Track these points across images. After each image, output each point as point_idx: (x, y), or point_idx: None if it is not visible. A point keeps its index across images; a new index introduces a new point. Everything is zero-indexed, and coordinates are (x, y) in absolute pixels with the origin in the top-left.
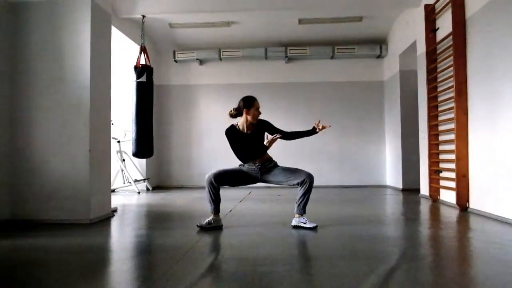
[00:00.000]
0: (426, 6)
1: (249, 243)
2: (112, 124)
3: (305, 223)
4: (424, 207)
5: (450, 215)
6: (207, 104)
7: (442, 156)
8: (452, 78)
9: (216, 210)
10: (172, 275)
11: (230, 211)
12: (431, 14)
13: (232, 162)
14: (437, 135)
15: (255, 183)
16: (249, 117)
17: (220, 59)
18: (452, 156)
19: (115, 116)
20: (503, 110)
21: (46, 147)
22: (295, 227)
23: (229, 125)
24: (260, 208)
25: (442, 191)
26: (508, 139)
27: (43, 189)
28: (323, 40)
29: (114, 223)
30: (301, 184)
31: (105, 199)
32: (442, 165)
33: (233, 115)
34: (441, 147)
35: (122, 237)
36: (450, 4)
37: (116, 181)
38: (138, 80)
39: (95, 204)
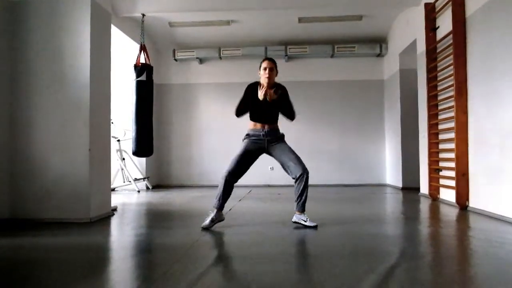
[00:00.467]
0: (426, 4)
1: (249, 242)
2: (112, 123)
3: (305, 221)
4: (424, 206)
5: (450, 213)
6: (207, 103)
7: (442, 155)
8: (452, 77)
9: (222, 207)
10: (172, 274)
11: (230, 209)
12: (431, 13)
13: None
14: (437, 134)
15: (261, 154)
16: (261, 79)
17: (220, 57)
18: (452, 155)
19: (115, 115)
20: (503, 108)
21: (46, 146)
22: (296, 223)
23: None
24: (260, 207)
25: (441, 189)
26: (508, 138)
27: (43, 188)
28: (323, 39)
29: (114, 222)
30: (298, 179)
31: (105, 198)
32: (441, 164)
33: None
34: (441, 146)
35: (122, 236)
36: (450, 2)
37: (116, 180)
38: (138, 79)
39: (95, 203)
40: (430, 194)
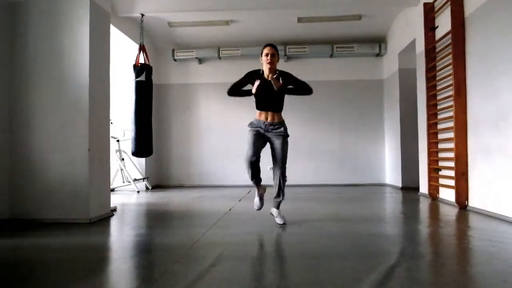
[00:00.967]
0: (425, 4)
1: (249, 242)
2: (111, 123)
3: (276, 217)
4: (424, 206)
5: (450, 213)
6: (206, 103)
7: (441, 155)
8: (451, 77)
9: (259, 182)
10: (171, 274)
11: (230, 209)
12: (430, 13)
13: (231, 160)
14: (436, 134)
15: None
16: (263, 65)
17: (220, 57)
18: (451, 154)
19: (114, 115)
20: (502, 108)
21: (46, 147)
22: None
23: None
24: None
25: (441, 189)
26: (507, 137)
27: (42, 188)
28: (322, 38)
29: (114, 222)
30: (276, 182)
31: (105, 198)
32: (441, 164)
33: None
34: (440, 145)
35: (121, 236)
36: (449, 2)
37: (115, 180)
38: (137, 79)
39: (95, 203)
40: (429, 193)
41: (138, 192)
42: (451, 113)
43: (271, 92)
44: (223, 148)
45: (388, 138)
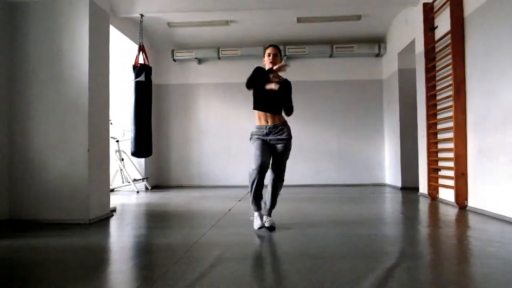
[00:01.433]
0: (425, 4)
1: (248, 243)
2: (111, 123)
3: (252, 217)
4: (423, 206)
5: (449, 213)
6: (206, 103)
7: (440, 155)
8: (451, 77)
9: (260, 204)
10: (171, 275)
11: (230, 210)
12: (429, 13)
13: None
14: (435, 134)
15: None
16: (266, 65)
17: (219, 58)
18: (451, 155)
19: (114, 115)
20: (502, 108)
21: (45, 147)
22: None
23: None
24: None
25: (441, 189)
26: (506, 137)
27: (42, 189)
28: (321, 38)
29: (113, 222)
30: (270, 181)
31: (104, 198)
32: (440, 164)
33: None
34: (440, 146)
35: (121, 237)
36: (448, 2)
37: (115, 181)
38: (136, 80)
39: (94, 204)
40: (429, 193)
41: (138, 192)
42: (451, 113)
43: (273, 93)
44: (223, 148)
45: (387, 138)
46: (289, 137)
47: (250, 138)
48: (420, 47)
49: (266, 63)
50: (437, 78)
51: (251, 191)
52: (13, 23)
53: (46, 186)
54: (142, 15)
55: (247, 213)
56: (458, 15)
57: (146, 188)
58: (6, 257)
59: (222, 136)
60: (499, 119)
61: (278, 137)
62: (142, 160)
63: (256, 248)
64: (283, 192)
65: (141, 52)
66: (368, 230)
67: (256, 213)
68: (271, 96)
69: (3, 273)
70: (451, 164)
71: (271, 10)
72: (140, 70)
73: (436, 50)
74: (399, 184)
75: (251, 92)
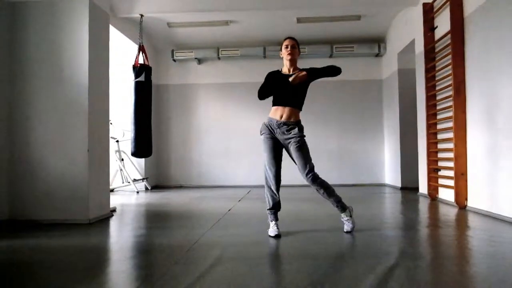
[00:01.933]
0: (425, 4)
1: (248, 243)
2: (111, 123)
3: (347, 220)
4: (423, 206)
5: (449, 213)
6: (205, 103)
7: (440, 155)
8: (451, 77)
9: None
10: (171, 275)
11: (229, 210)
12: (429, 13)
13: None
14: (435, 134)
15: (281, 146)
16: (283, 58)
17: (219, 58)
18: (451, 155)
19: (114, 115)
20: (501, 108)
21: (45, 147)
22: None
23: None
24: (259, 207)
25: (440, 189)
26: (506, 137)
27: (41, 189)
28: (321, 39)
29: (113, 223)
30: (307, 181)
31: (104, 199)
32: (440, 164)
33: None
34: (440, 146)
35: (121, 237)
36: (448, 2)
37: (115, 181)
38: (136, 80)
39: (94, 204)
40: (429, 193)
41: (138, 192)
42: (451, 113)
43: (294, 86)
44: (223, 148)
45: (387, 138)
46: (301, 134)
47: (261, 132)
48: (420, 47)
49: (284, 56)
50: (437, 78)
51: (266, 198)
52: (13, 23)
53: (46, 186)
54: (142, 15)
55: (247, 213)
56: (458, 15)
57: (146, 188)
58: (5, 257)
59: (222, 136)
60: (499, 119)
61: (287, 136)
62: (142, 160)
63: (256, 248)
64: (283, 192)
65: (141, 52)
66: (368, 230)
67: (272, 223)
68: (290, 91)
69: (2, 273)
70: (451, 164)
71: (271, 10)
72: (140, 70)
73: (436, 50)
74: (399, 184)
75: (251, 93)
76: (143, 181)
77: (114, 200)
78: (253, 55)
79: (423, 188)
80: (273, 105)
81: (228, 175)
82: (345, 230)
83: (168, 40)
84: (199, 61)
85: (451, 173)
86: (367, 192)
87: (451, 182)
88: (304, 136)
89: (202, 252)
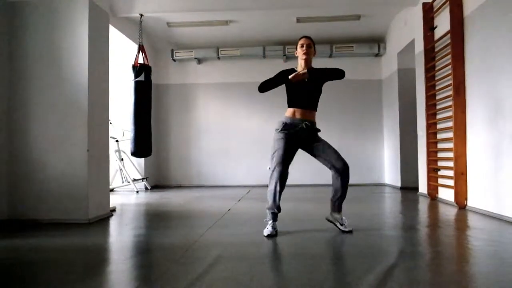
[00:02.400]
0: (424, 4)
1: (248, 242)
2: (111, 123)
3: (341, 225)
4: (423, 205)
5: (449, 213)
6: (205, 103)
7: (440, 154)
8: (450, 77)
9: (277, 214)
10: (171, 275)
11: (229, 210)
12: (429, 13)
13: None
14: (435, 133)
15: (297, 147)
16: (299, 57)
17: (219, 58)
18: (451, 154)
19: (114, 115)
20: (501, 108)
21: (44, 147)
22: (329, 221)
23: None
24: (259, 207)
25: (440, 189)
26: (506, 137)
27: (41, 189)
28: (321, 38)
29: (113, 222)
30: (341, 173)
31: (104, 198)
32: (440, 163)
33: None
34: (440, 145)
35: (120, 237)
36: (448, 2)
37: (114, 181)
38: (136, 79)
39: (94, 204)
40: (428, 193)
41: (137, 192)
42: (450, 113)
43: (306, 87)
44: (222, 148)
45: (387, 138)
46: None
47: (278, 129)
48: (419, 47)
49: (299, 55)
50: (436, 78)
51: (269, 196)
52: (12, 22)
53: (46, 186)
54: (141, 15)
55: (246, 213)
56: (458, 14)
57: (146, 188)
58: (5, 257)
59: (221, 136)
60: (499, 119)
61: (312, 136)
62: (142, 160)
63: (256, 248)
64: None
65: (140, 52)
66: (367, 230)
67: (270, 221)
68: (306, 91)
69: (2, 273)
70: (450, 163)
71: (271, 10)
72: (140, 70)
73: (436, 50)
74: (399, 184)
75: (251, 92)
76: (142, 181)
77: (114, 200)
78: (252, 55)
79: (422, 188)
80: (291, 106)
81: (228, 175)
82: (347, 230)
83: (167, 40)
84: (199, 60)
85: (450, 173)
86: (366, 192)
87: (451, 182)
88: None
89: (201, 251)
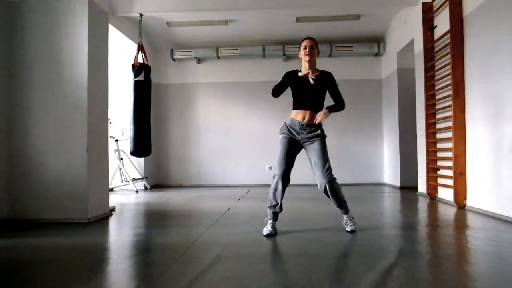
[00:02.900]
0: (424, 4)
1: (248, 242)
2: (110, 122)
3: (345, 224)
4: (422, 205)
5: (448, 212)
6: (205, 103)
7: (439, 154)
8: (450, 76)
9: (277, 214)
10: (170, 274)
11: (229, 209)
12: (428, 12)
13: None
14: (434, 133)
15: (299, 148)
16: (302, 59)
17: (218, 57)
18: (450, 154)
19: (113, 114)
20: (500, 107)
21: (44, 146)
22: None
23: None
24: (258, 207)
25: (439, 189)
26: (505, 136)
27: (41, 188)
28: (321, 38)
29: (112, 222)
30: (322, 189)
31: (103, 198)
32: (439, 163)
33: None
34: (439, 145)
35: (120, 236)
36: (447, 2)
37: (114, 180)
38: (135, 79)
39: (93, 203)
40: (428, 193)
41: (137, 191)
42: (450, 113)
43: (310, 89)
44: (222, 148)
45: (386, 138)
46: (323, 135)
47: (280, 132)
48: (419, 47)
49: (303, 57)
50: (436, 78)
51: (271, 196)
52: (12, 22)
53: (45, 186)
54: (141, 15)
55: (246, 212)
56: (458, 14)
57: (145, 188)
58: (4, 256)
59: (221, 136)
60: (498, 119)
61: (309, 135)
62: (141, 159)
63: (255, 247)
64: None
65: (140, 52)
66: (367, 230)
67: (270, 221)
68: (311, 93)
69: (2, 273)
70: (450, 163)
71: (270, 9)
72: (139, 69)
73: (435, 49)
74: (398, 184)
75: (250, 92)
76: (142, 181)
77: (113, 200)
78: (252, 54)
79: (422, 187)
80: (295, 108)
81: (228, 175)
82: (349, 230)
83: (167, 39)
84: (199, 60)
85: (450, 173)
86: (366, 191)
87: (450, 182)
88: (325, 136)
89: (201, 250)
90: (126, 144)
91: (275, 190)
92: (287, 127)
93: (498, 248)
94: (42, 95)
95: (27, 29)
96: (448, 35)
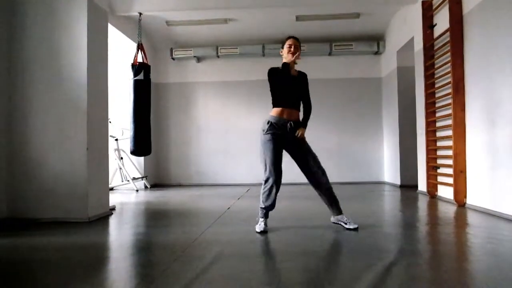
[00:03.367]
0: (423, 2)
1: (247, 241)
2: (110, 122)
3: (345, 223)
4: (422, 203)
5: (448, 211)
6: (204, 102)
7: (439, 152)
8: (450, 75)
9: (267, 215)
10: (171, 273)
11: (229, 208)
12: (428, 11)
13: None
14: (434, 131)
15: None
16: (284, 57)
17: (218, 56)
18: (450, 152)
19: (113, 114)
20: (501, 105)
21: (44, 146)
22: (335, 223)
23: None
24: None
25: (439, 187)
26: (505, 135)
27: (40, 187)
28: (320, 37)
29: (112, 221)
30: (313, 186)
31: (103, 197)
32: (439, 161)
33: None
34: (439, 143)
35: (120, 235)
36: (447, 0)
37: (114, 179)
38: (135, 78)
39: (93, 203)
40: (428, 191)
41: (137, 191)
42: (450, 111)
43: (294, 86)
44: (222, 147)
45: (386, 136)
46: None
47: (264, 130)
48: (419, 45)
49: (285, 54)
50: (436, 76)
51: (265, 199)
52: (11, 21)
53: (45, 185)
54: (140, 14)
55: (246, 211)
56: (457, 12)
57: (145, 187)
58: (4, 255)
59: (221, 135)
60: (498, 117)
61: (295, 134)
62: (141, 158)
63: (255, 246)
64: (282, 190)
65: (139, 51)
66: (367, 228)
67: (262, 219)
68: (292, 91)
69: (2, 272)
70: (450, 161)
71: (270, 8)
72: (139, 68)
73: (435, 47)
74: (398, 182)
75: (250, 91)
76: (142, 180)
77: (114, 199)
78: (252, 53)
79: (422, 185)
80: (278, 106)
81: (227, 174)
82: (352, 227)
83: (167, 39)
84: (198, 59)
85: (450, 171)
86: (366, 190)
87: (450, 180)
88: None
89: (201, 249)
90: (126, 144)
91: (269, 194)
92: (274, 126)
93: (499, 246)
94: (42, 95)
95: (27, 28)
96: (448, 33)
